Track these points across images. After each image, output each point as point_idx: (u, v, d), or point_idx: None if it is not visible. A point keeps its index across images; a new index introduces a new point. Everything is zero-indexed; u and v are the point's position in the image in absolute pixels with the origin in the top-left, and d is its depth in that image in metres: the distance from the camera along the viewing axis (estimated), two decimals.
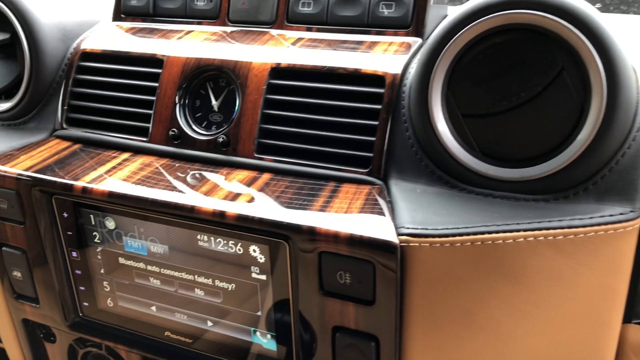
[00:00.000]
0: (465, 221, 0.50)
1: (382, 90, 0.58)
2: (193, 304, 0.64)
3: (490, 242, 0.48)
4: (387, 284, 0.50)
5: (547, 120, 0.50)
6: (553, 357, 0.52)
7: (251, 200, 0.56)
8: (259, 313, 0.60)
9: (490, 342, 0.52)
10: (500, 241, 0.48)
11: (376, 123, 0.58)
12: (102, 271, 0.67)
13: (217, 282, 0.61)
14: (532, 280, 0.49)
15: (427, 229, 0.49)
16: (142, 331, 0.68)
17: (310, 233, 0.52)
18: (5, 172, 0.65)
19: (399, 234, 0.49)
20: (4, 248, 0.70)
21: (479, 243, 0.48)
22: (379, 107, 0.58)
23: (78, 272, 0.68)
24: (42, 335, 0.77)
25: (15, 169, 0.65)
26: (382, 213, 0.52)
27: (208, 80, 0.66)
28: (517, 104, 0.51)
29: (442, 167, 0.55)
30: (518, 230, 0.48)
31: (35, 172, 0.64)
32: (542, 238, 0.48)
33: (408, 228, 0.49)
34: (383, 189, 0.56)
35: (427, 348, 0.52)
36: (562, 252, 0.48)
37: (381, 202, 0.54)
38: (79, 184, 0.61)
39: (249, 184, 0.59)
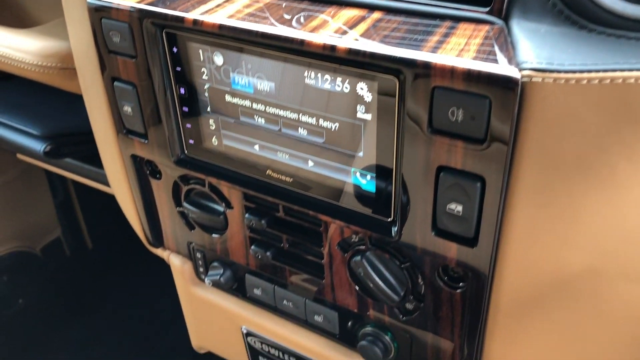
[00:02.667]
0: (594, 60, 0.47)
1: None
2: (295, 143, 0.65)
3: (621, 80, 0.45)
4: (502, 121, 0.49)
5: None
6: None
7: (362, 35, 0.55)
8: (361, 154, 0.61)
9: (604, 192, 0.50)
10: (633, 80, 0.45)
11: None
12: (208, 109, 0.69)
13: (321, 122, 0.61)
14: None
15: (552, 64, 0.47)
16: (244, 170, 0.71)
17: (425, 67, 0.50)
18: (118, 4, 0.66)
19: (521, 69, 0.47)
20: (115, 83, 0.73)
21: (608, 81, 0.45)
22: None
23: (185, 109, 0.71)
24: (148, 172, 0.82)
25: (128, 2, 0.66)
26: (502, 50, 0.50)
27: None
28: None
29: (571, 6, 0.51)
30: None
31: (148, 4, 0.65)
32: None
33: (531, 63, 0.47)
34: (504, 28, 0.53)
35: (535, 190, 0.52)
36: None
37: (501, 40, 0.51)
38: (190, 16, 0.62)
39: (359, 21, 0.58)
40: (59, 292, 1.89)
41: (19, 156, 1.32)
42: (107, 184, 1.07)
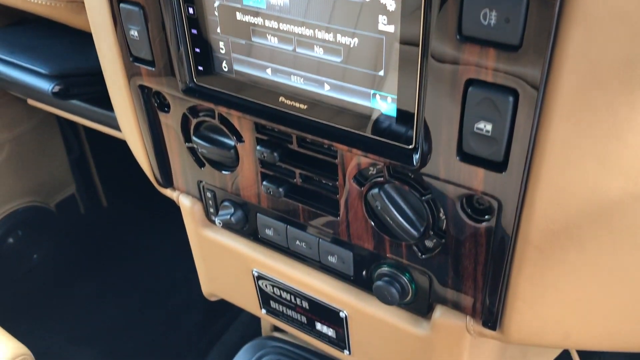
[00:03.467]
0: None
1: None
2: (310, 64, 0.60)
3: None
4: (541, 24, 0.44)
5: None
6: None
7: None
8: (381, 73, 0.56)
9: None
10: None
11: None
12: (218, 30, 0.65)
13: (339, 37, 0.57)
14: None
15: None
16: (255, 97, 0.66)
17: None
18: None
19: None
20: (122, 5, 0.69)
21: None
22: None
23: (194, 31, 0.66)
24: (156, 105, 0.78)
25: None
26: None
27: None
28: None
29: None
30: None
31: None
32: None
33: None
34: None
35: (574, 104, 0.47)
36: None
37: None
38: None
39: None
40: (73, 248, 1.89)
41: (30, 102, 1.30)
42: (117, 127, 1.04)
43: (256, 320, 1.30)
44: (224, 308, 1.63)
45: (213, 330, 1.56)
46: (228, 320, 1.56)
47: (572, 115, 0.47)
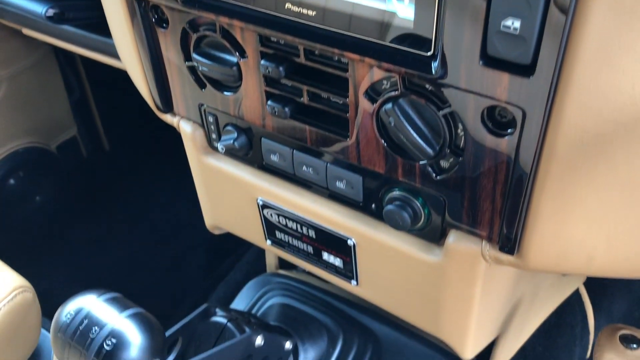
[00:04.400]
0: None
1: None
2: None
3: None
4: None
5: None
6: None
7: None
8: None
9: None
10: None
11: None
12: None
13: None
14: None
15: None
16: (260, 5, 0.61)
17: None
18: None
19: None
20: None
21: None
22: None
23: None
24: (154, 20, 0.73)
25: None
26: None
27: None
28: None
29: None
30: None
31: None
32: None
33: None
34: None
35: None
36: None
37: None
38: None
39: None
40: (75, 191, 1.86)
41: (26, 32, 1.24)
42: (115, 55, 1.00)
43: (261, 259, 1.28)
44: (228, 249, 1.61)
45: (217, 271, 1.55)
46: (232, 260, 1.54)
47: (614, 4, 0.42)
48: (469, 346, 0.75)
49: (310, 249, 0.80)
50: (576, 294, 1.16)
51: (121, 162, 1.97)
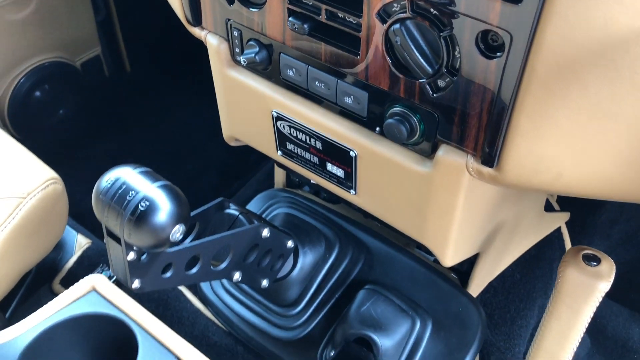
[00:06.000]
0: None
1: None
2: None
3: None
4: None
5: None
6: None
7: None
8: None
9: None
10: None
11: None
12: None
13: None
14: None
15: None
16: None
17: None
18: None
19: None
20: None
21: None
22: None
23: None
24: None
25: None
26: None
27: None
28: None
29: None
30: None
31: None
32: None
33: None
34: None
35: None
36: None
37: None
38: None
39: None
40: (96, 108, 1.95)
41: None
42: None
43: (270, 179, 1.37)
44: (239, 171, 1.71)
45: (228, 190, 1.65)
46: (242, 182, 1.64)
47: None
48: (449, 254, 0.84)
49: (316, 160, 0.89)
50: (557, 232, 1.26)
51: (141, 83, 2.05)
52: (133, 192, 0.61)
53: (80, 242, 1.28)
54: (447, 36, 0.64)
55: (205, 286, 1.13)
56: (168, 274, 0.72)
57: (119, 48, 2.00)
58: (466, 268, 1.09)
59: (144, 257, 0.68)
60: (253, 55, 0.84)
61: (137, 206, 0.61)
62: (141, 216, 0.61)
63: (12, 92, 1.70)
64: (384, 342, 0.94)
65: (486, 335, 1.00)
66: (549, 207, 1.23)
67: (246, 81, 0.90)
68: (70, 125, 1.89)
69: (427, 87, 0.69)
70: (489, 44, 0.62)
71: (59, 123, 1.87)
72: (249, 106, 0.93)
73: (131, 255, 0.65)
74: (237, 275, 0.84)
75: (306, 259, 1.01)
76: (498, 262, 1.13)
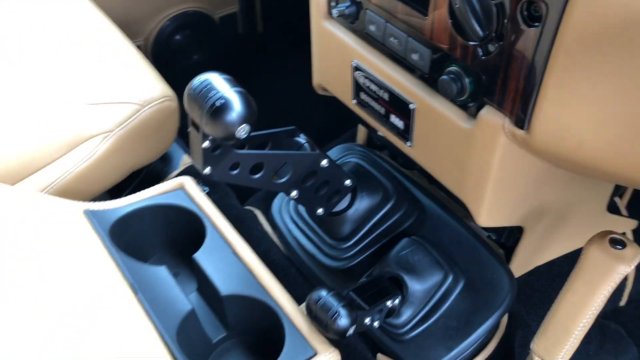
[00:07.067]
0: None
1: None
2: None
3: None
4: None
5: None
6: None
7: None
8: None
9: None
10: None
11: None
12: None
13: None
14: None
15: None
16: None
17: None
18: None
19: None
20: None
21: None
22: None
23: None
24: None
25: None
26: None
27: None
28: None
29: None
30: None
31: None
32: None
33: None
34: None
35: None
36: None
37: None
38: None
39: None
40: (227, 61, 2.16)
41: None
42: None
43: (353, 140, 1.49)
44: (332, 131, 1.85)
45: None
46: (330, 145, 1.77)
47: None
48: (484, 213, 0.92)
49: (382, 110, 1.01)
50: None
51: (269, 45, 2.24)
52: (214, 91, 0.77)
53: (185, 161, 1.49)
54: (499, 4, 0.72)
55: (275, 213, 1.28)
56: (235, 172, 0.88)
57: (255, 9, 2.21)
58: (512, 244, 1.15)
59: (217, 151, 0.84)
60: (344, 8, 0.96)
61: (214, 102, 0.76)
62: (216, 111, 0.76)
63: (157, 31, 1.96)
64: (414, 285, 1.03)
65: (512, 307, 1.06)
66: (615, 210, 1.25)
67: (336, 32, 1.03)
68: (199, 70, 2.12)
69: (479, 49, 0.78)
70: (531, 14, 0.70)
71: (191, 66, 2.12)
72: (334, 55, 1.06)
73: (206, 143, 0.81)
74: (294, 193, 0.98)
75: (362, 203, 1.12)
76: (546, 246, 1.17)
